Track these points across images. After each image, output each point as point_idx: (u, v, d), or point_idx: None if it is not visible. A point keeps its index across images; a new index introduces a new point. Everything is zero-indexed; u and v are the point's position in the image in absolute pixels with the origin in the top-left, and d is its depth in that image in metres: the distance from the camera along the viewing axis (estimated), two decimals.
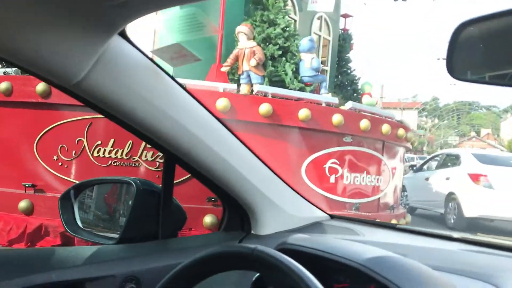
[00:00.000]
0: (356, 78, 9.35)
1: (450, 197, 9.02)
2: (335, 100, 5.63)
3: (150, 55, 1.08)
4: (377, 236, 1.51)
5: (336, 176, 5.18)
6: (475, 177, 8.26)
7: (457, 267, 1.07)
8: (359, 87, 8.71)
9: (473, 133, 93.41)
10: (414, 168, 11.50)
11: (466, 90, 63.98)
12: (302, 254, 1.06)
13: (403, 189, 10.07)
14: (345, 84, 9.26)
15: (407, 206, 10.33)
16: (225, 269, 0.84)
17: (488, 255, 1.22)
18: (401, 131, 5.85)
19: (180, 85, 1.13)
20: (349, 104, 5.74)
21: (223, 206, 1.49)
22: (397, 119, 6.40)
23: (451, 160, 10.03)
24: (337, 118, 5.05)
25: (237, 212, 1.43)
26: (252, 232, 1.41)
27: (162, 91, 1.07)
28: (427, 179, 10.31)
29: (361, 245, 1.13)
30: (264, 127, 4.71)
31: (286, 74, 6.30)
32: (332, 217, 1.66)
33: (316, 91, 6.72)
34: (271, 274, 0.71)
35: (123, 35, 0.95)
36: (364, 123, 5.30)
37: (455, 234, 1.45)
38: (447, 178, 9.28)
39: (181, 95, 1.13)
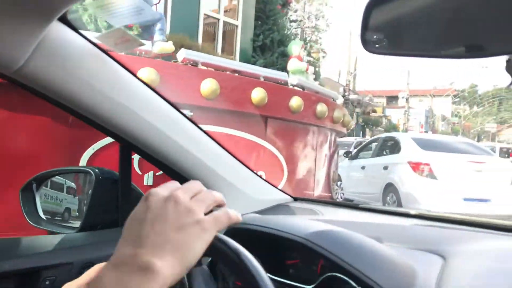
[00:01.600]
0: (289, 38, 7.96)
1: (389, 189, 7.87)
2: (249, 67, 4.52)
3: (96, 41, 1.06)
4: (337, 215, 1.56)
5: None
6: (416, 166, 7.20)
7: (408, 241, 1.12)
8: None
9: None
10: (350, 155, 10.11)
11: (507, 77, 62.65)
12: (254, 233, 1.10)
13: (338, 178, 9.45)
14: (267, 46, 8.00)
15: (341, 198, 9.65)
16: None
17: (439, 229, 1.29)
18: (338, 113, 5.16)
19: (128, 70, 1.12)
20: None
21: None
22: (332, 97, 5.62)
23: (390, 146, 8.83)
24: (257, 95, 4.01)
25: None
26: None
27: (108, 77, 1.06)
28: (363, 168, 9.14)
29: (310, 221, 1.17)
30: None
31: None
32: (296, 199, 1.69)
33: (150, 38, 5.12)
34: (220, 258, 0.68)
35: (65, 20, 0.95)
36: (295, 102, 4.40)
37: (412, 211, 1.51)
38: (385, 167, 8.09)
39: (129, 80, 1.11)
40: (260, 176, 1.57)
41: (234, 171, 1.43)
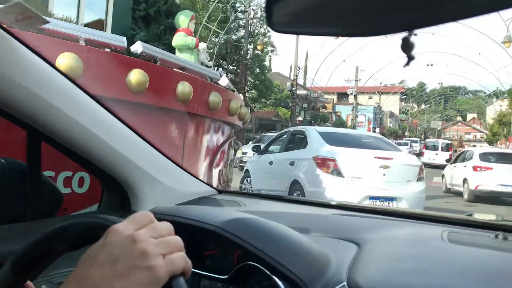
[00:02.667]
0: (179, 8, 6.58)
1: (294, 186, 7.27)
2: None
3: None
4: (260, 206, 1.59)
5: None
6: (321, 162, 6.64)
7: (327, 230, 1.19)
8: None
9: (459, 118, 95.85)
10: (259, 149, 9.28)
11: (454, 76, 65.57)
12: (172, 224, 1.03)
13: (247, 175, 9.14)
14: (152, 17, 6.79)
15: None
16: (84, 243, 0.66)
17: (356, 218, 1.36)
18: (234, 104, 4.42)
19: (34, 51, 1.02)
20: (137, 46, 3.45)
21: (100, 184, 1.43)
22: (224, 85, 4.67)
23: (297, 140, 8.17)
24: (134, 77, 3.05)
25: (115, 190, 1.37)
26: (132, 209, 1.36)
27: (8, 57, 0.96)
28: (271, 163, 8.41)
29: (228, 212, 1.19)
30: None
31: None
32: (221, 191, 1.71)
33: None
34: None
35: None
36: (182, 88, 3.47)
37: (333, 202, 1.61)
38: (291, 163, 7.46)
39: (35, 61, 1.02)
40: (185, 169, 1.56)
41: (156, 164, 1.40)
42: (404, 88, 73.36)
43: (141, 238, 0.57)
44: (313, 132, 7.54)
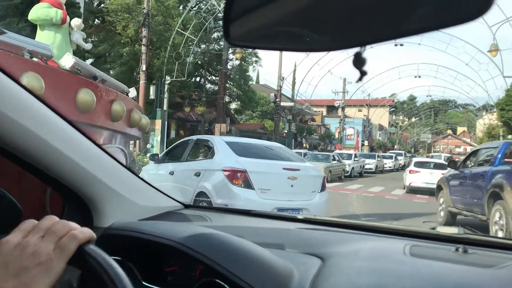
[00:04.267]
0: None
1: (200, 198, 6.91)
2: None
3: None
4: (226, 221, 1.62)
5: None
6: (231, 174, 6.36)
7: (292, 244, 1.21)
8: None
9: (449, 131, 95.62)
10: (156, 158, 8.76)
11: (443, 89, 65.14)
12: (133, 240, 1.10)
13: None
14: None
15: None
16: None
17: (321, 232, 1.39)
18: (136, 115, 4.07)
19: None
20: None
21: (61, 199, 1.38)
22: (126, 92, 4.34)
23: (202, 150, 7.81)
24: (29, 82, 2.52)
25: (76, 205, 1.33)
26: (94, 225, 1.32)
27: None
28: (172, 173, 7.90)
29: (190, 227, 1.16)
30: None
31: None
32: (187, 206, 1.70)
33: None
34: (88, 272, 0.70)
35: None
36: (84, 97, 3.04)
37: (300, 216, 1.63)
38: (197, 174, 6.99)
39: None
40: (150, 184, 1.54)
41: (119, 178, 1.37)
42: (393, 101, 72.72)
43: (30, 241, 0.68)
44: (220, 142, 7.18)
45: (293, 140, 34.31)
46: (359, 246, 1.19)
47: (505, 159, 8.09)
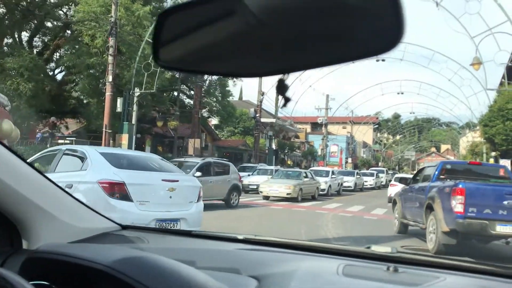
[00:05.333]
0: None
1: None
2: None
3: None
4: (164, 242, 1.59)
5: None
6: (108, 186, 6.08)
7: (228, 265, 1.20)
8: None
9: (433, 149, 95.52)
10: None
11: (426, 105, 64.84)
12: (61, 264, 1.03)
13: None
14: None
15: None
16: None
17: (259, 252, 1.39)
18: (6, 126, 4.13)
19: None
20: None
21: None
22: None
23: (71, 161, 7.23)
24: None
25: (3, 226, 1.29)
26: (23, 247, 1.29)
27: None
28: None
29: (120, 250, 1.12)
30: None
31: None
32: (125, 227, 1.65)
33: None
34: None
35: None
36: None
37: (240, 236, 1.59)
38: (68, 186, 6.37)
39: None
40: (84, 204, 1.52)
41: (50, 198, 1.35)
42: (377, 118, 72.16)
43: None
44: (94, 153, 6.77)
45: (274, 156, 32.99)
46: (295, 266, 1.21)
47: (440, 176, 9.12)
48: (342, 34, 0.60)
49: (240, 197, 15.33)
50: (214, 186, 13.82)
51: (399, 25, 0.58)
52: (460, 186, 7.61)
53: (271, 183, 18.65)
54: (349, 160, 53.88)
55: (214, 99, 30.80)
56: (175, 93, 30.13)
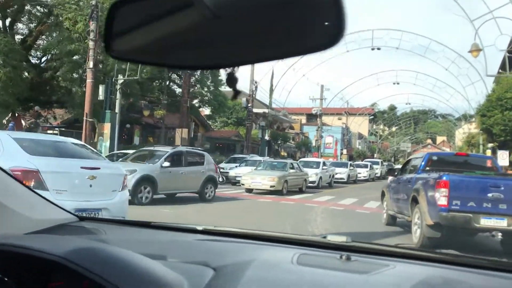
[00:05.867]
0: None
1: None
2: None
3: None
4: (122, 234, 1.57)
5: None
6: (22, 175, 5.69)
7: (186, 255, 1.22)
8: None
9: (429, 141, 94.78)
10: None
11: (424, 98, 63.98)
12: (11, 254, 1.02)
13: None
14: None
15: None
16: None
17: (217, 243, 1.43)
18: None
19: None
20: None
21: None
22: None
23: None
24: None
25: None
26: None
27: None
28: None
29: (77, 241, 1.11)
30: None
31: None
32: (83, 218, 1.65)
33: None
34: None
35: None
36: None
37: (199, 227, 1.62)
38: None
39: None
40: (40, 195, 1.51)
41: (2, 188, 1.35)
42: (373, 110, 71.26)
43: None
44: (6, 139, 6.14)
45: (266, 147, 32.04)
46: (252, 256, 1.22)
47: (426, 168, 8.91)
48: (289, 29, 0.63)
49: (216, 189, 14.17)
50: (186, 178, 12.80)
51: (341, 21, 0.62)
52: (444, 178, 7.34)
53: (253, 175, 17.34)
54: (344, 151, 53.05)
55: (206, 89, 29.78)
56: (167, 83, 29.11)
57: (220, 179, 20.86)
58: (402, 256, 1.31)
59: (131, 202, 11.38)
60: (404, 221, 9.49)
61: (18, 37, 21.63)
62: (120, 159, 13.23)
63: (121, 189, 6.66)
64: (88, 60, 17.10)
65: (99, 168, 6.40)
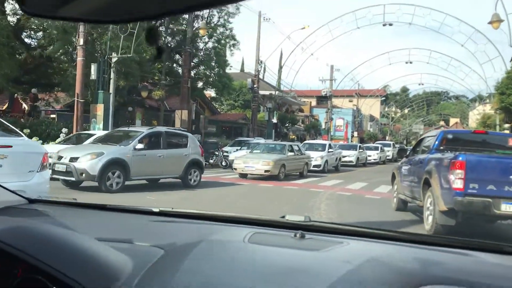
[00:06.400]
0: None
1: None
2: None
3: None
4: (73, 216, 1.50)
5: None
6: None
7: (139, 237, 1.18)
8: None
9: (442, 122, 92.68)
10: None
11: (437, 78, 61.93)
12: None
13: None
14: None
15: None
16: None
17: (172, 224, 1.42)
18: None
19: None
20: None
21: None
22: None
23: None
24: None
25: None
26: None
27: None
28: None
29: (14, 224, 1.07)
30: None
31: None
32: (33, 201, 1.61)
33: None
34: None
35: None
36: None
37: (155, 209, 1.56)
38: None
39: None
40: None
41: None
42: (384, 91, 69.36)
43: None
44: None
45: (273, 130, 30.75)
46: (204, 236, 1.21)
47: (440, 147, 8.00)
48: None
49: (202, 174, 12.59)
50: (166, 161, 11.28)
51: None
52: (460, 158, 6.48)
53: (247, 159, 15.59)
54: (355, 134, 51.56)
55: (210, 70, 28.40)
56: (168, 63, 27.81)
57: (224, 163, 19.74)
58: (358, 235, 1.31)
59: (98, 189, 10.05)
60: (416, 206, 8.51)
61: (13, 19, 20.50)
62: (90, 141, 11.91)
63: (39, 169, 5.99)
64: (79, 37, 15.91)
65: (11, 146, 5.72)
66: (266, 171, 14.86)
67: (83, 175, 9.87)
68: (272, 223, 1.40)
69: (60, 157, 10.19)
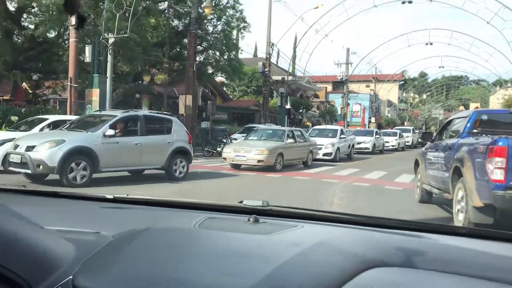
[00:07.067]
0: None
1: None
2: None
3: None
4: (22, 203, 1.44)
5: None
6: None
7: (87, 224, 1.15)
8: None
9: (461, 107, 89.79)
10: None
11: (458, 61, 59.17)
12: None
13: None
14: None
15: None
16: None
17: (126, 210, 1.39)
18: None
19: None
20: None
21: None
22: None
23: None
24: None
25: None
26: None
27: None
28: None
29: None
30: None
31: None
32: None
33: None
34: None
35: None
36: None
37: (109, 196, 1.51)
38: None
39: None
40: None
41: None
42: (403, 76, 66.89)
43: None
44: None
45: (286, 116, 29.14)
46: (155, 222, 1.19)
47: (473, 130, 6.94)
48: None
49: (190, 164, 10.83)
50: (144, 150, 9.62)
51: None
52: (500, 143, 5.47)
53: (238, 147, 13.62)
54: (373, 119, 49.61)
55: (220, 54, 26.83)
56: (177, 48, 26.38)
57: None
58: (314, 218, 1.30)
59: (58, 183, 8.43)
60: (443, 199, 7.39)
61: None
62: (59, 128, 10.12)
63: None
64: (71, 16, 14.53)
65: None
66: (259, 161, 12.89)
67: (40, 166, 8.26)
68: (228, 208, 1.39)
69: (16, 146, 8.61)
